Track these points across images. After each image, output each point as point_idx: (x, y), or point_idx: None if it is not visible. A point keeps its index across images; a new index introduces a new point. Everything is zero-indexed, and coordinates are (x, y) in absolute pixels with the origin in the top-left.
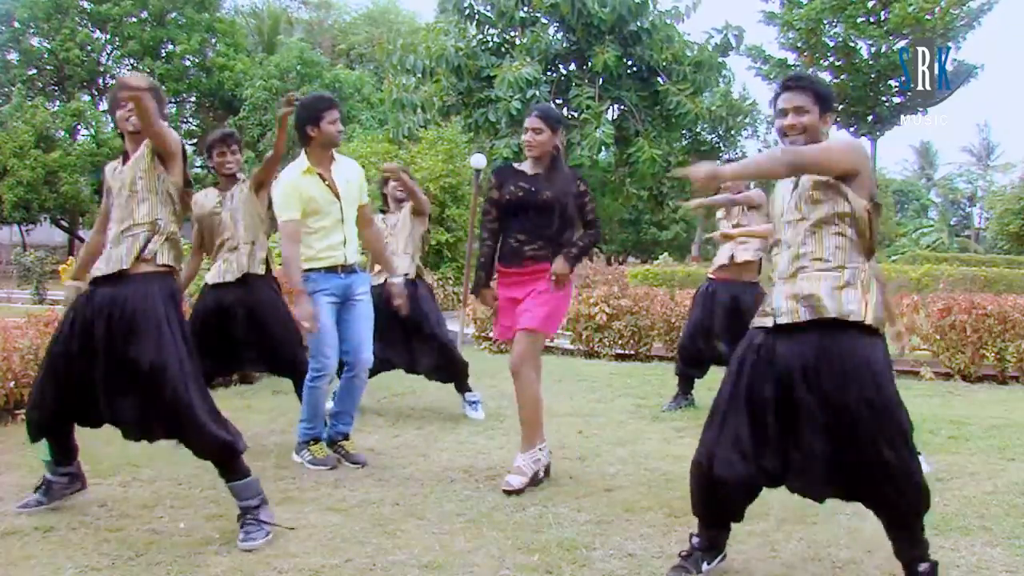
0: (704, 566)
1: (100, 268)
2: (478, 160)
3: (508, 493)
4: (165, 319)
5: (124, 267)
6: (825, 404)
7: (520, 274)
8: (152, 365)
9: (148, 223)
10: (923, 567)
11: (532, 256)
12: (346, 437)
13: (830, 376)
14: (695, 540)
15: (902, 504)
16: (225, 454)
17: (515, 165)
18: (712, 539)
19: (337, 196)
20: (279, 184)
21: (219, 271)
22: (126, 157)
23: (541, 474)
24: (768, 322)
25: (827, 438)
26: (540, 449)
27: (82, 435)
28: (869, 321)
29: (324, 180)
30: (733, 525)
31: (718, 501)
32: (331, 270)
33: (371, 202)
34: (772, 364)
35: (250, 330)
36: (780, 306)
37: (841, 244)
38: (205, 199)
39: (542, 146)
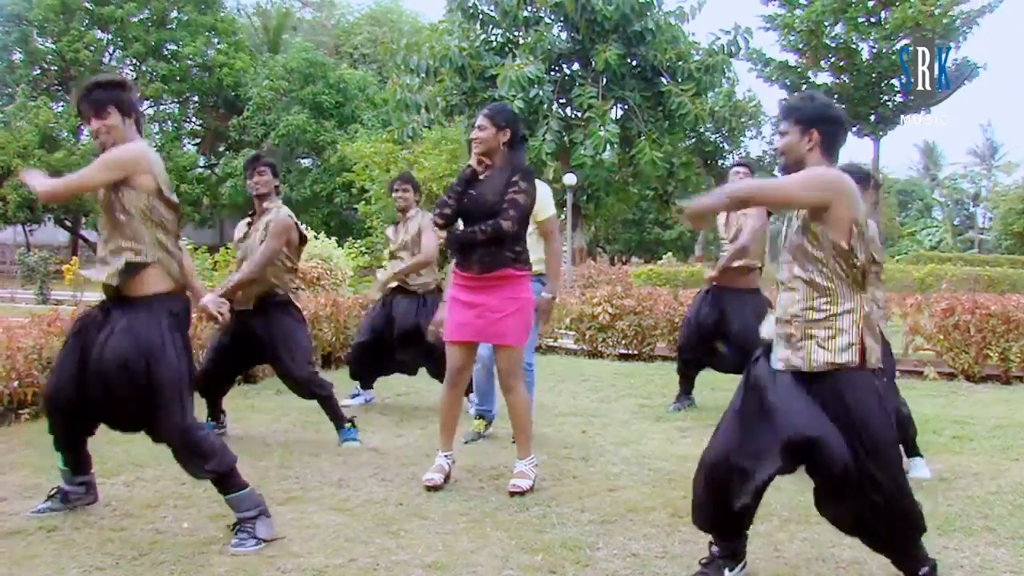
0: (727, 573)
1: None
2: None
3: (514, 495)
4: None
5: None
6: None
7: (472, 279)
8: None
9: None
10: (923, 571)
11: (479, 262)
12: (478, 416)
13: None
14: (715, 549)
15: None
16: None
17: (473, 166)
18: (731, 548)
19: None
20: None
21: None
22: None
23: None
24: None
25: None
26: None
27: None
28: (869, 366)
29: None
30: None
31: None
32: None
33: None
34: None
35: (264, 355)
36: (777, 352)
37: (829, 286)
38: (236, 230)
39: (486, 143)
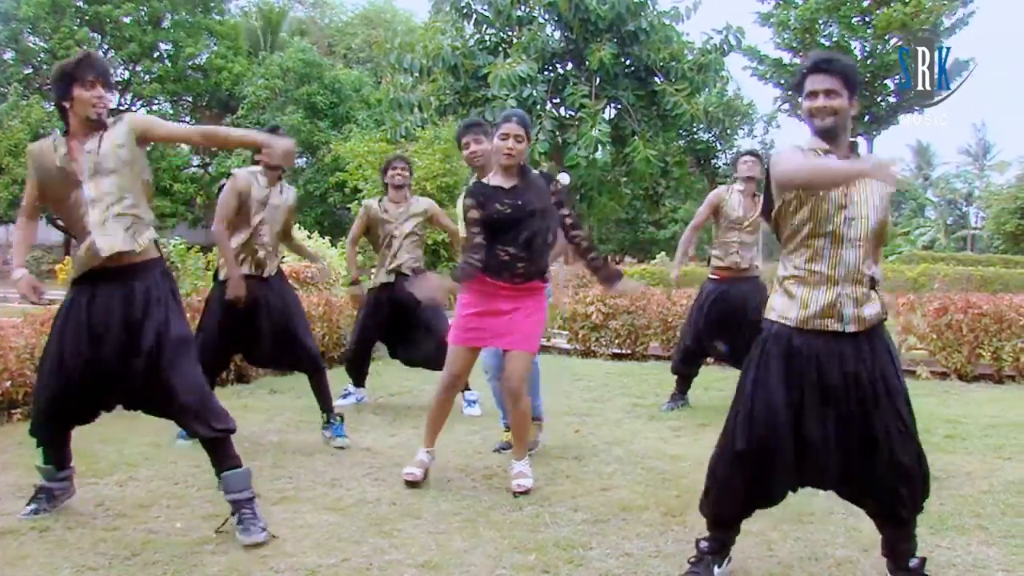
0: (716, 570)
1: None
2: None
3: (518, 495)
4: None
5: None
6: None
7: (511, 289)
8: None
9: None
10: (914, 562)
11: (523, 272)
12: (508, 428)
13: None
14: (703, 544)
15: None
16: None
17: (485, 180)
18: (722, 540)
19: None
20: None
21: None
22: None
23: None
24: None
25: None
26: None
27: (79, 435)
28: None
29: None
30: None
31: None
32: None
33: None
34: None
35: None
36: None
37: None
38: (256, 183)
39: (521, 156)
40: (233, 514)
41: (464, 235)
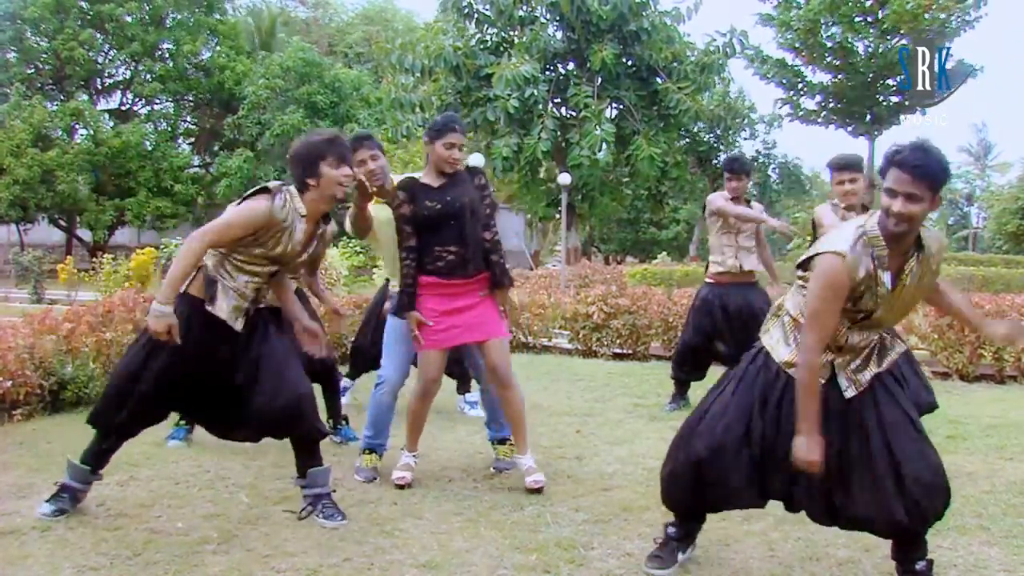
0: (679, 556)
1: None
2: (476, 159)
3: (533, 491)
4: None
5: None
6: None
7: (464, 284)
8: None
9: None
10: (920, 565)
11: (468, 265)
12: (502, 442)
13: None
14: (671, 530)
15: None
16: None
17: (416, 177)
18: (689, 530)
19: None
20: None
21: None
22: None
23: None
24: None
25: None
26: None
27: (79, 435)
28: None
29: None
30: (731, 525)
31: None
32: None
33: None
34: None
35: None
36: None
37: None
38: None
39: (461, 159)
40: (315, 503)
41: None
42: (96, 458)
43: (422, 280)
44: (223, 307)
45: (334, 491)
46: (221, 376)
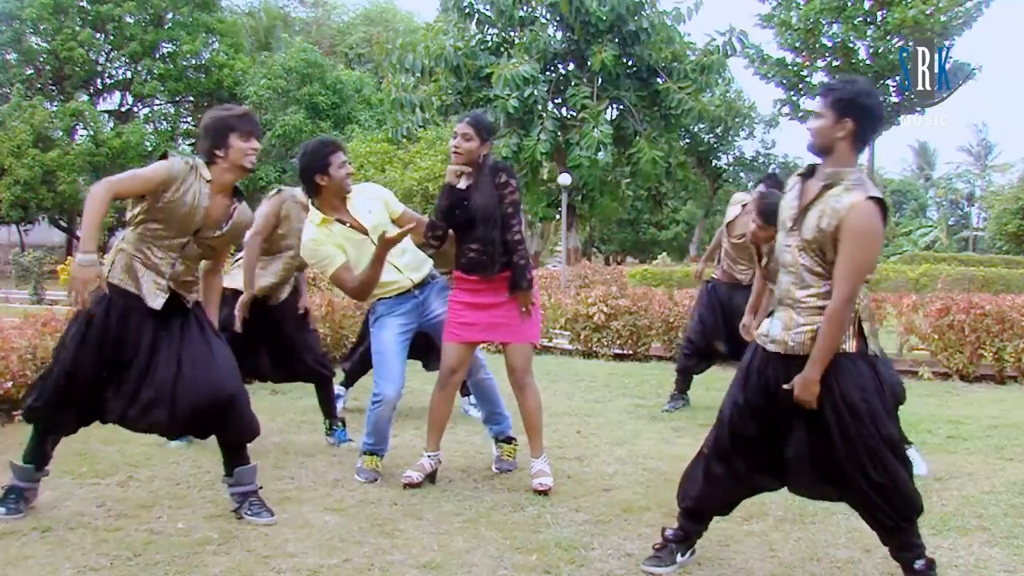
0: (679, 558)
1: None
2: None
3: (540, 492)
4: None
5: None
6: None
7: (488, 282)
8: None
9: None
10: (919, 564)
11: (489, 266)
12: (507, 441)
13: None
14: (669, 532)
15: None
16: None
17: (451, 182)
18: (689, 532)
19: (364, 231)
20: (304, 248)
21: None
22: None
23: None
24: None
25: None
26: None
27: (78, 435)
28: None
29: (344, 223)
30: (731, 525)
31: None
32: (403, 295)
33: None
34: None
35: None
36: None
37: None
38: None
39: (470, 153)
40: (244, 502)
41: None
42: (46, 455)
43: (455, 272)
44: (142, 285)
45: (261, 487)
46: (140, 361)
